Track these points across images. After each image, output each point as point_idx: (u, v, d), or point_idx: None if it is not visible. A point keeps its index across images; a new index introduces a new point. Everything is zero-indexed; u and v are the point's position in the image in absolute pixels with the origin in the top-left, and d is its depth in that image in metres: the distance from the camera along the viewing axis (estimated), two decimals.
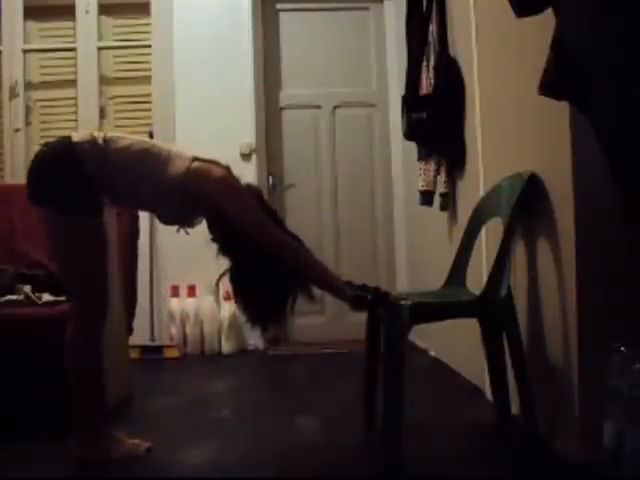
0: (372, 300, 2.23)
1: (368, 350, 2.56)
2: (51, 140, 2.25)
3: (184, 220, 2.31)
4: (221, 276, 2.24)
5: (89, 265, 2.21)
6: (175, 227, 2.35)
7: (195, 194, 2.16)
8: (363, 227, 4.81)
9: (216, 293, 4.29)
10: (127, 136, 2.26)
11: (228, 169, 2.22)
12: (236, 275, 2.24)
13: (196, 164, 2.18)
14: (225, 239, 2.22)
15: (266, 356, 4.28)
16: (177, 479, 2.15)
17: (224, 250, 2.23)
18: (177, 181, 2.15)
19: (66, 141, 2.18)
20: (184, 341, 4.31)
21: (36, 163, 2.19)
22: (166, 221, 2.32)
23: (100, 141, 2.17)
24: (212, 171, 2.17)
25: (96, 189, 2.17)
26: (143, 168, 2.18)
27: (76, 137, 2.18)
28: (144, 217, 3.64)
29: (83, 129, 4.42)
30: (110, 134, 2.23)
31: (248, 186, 2.27)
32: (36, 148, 4.49)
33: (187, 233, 2.35)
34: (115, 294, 2.95)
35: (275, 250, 2.14)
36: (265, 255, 2.14)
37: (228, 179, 2.18)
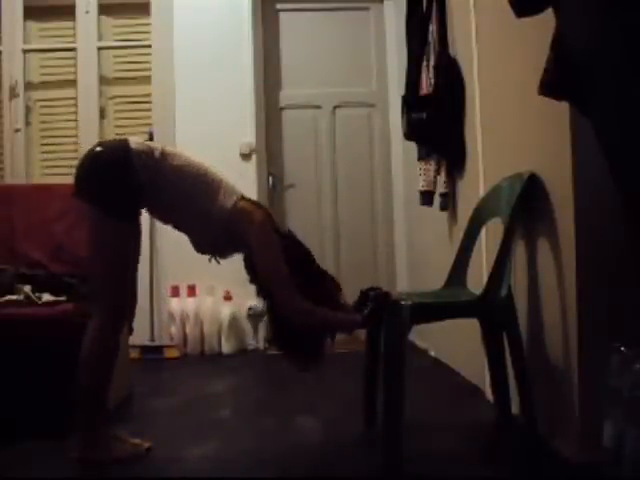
0: (375, 307, 2.25)
1: (368, 350, 2.56)
2: (106, 140, 2.26)
3: (218, 252, 2.35)
4: (262, 314, 2.30)
5: (119, 267, 2.24)
6: (203, 254, 2.38)
7: (234, 232, 2.21)
8: (363, 227, 4.82)
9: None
10: (183, 154, 2.29)
11: (269, 215, 2.26)
12: (272, 317, 2.30)
13: (242, 204, 2.22)
14: (260, 281, 2.27)
15: (266, 356, 4.28)
16: (177, 479, 2.15)
17: (260, 292, 2.30)
18: (221, 216, 2.20)
19: (123, 146, 2.20)
20: (184, 341, 4.31)
21: (90, 161, 2.22)
22: (200, 248, 2.35)
23: (157, 154, 2.20)
24: (254, 216, 2.21)
25: (140, 198, 2.20)
26: (192, 193, 2.21)
27: (133, 144, 2.20)
28: (144, 217, 3.64)
29: (84, 129, 4.44)
30: (168, 149, 2.27)
31: (286, 233, 2.32)
32: (37, 148, 4.55)
33: (218, 262, 2.39)
34: None
35: (283, 308, 2.19)
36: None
37: (267, 228, 2.21)
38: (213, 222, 2.22)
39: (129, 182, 2.16)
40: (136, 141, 2.24)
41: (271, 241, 2.20)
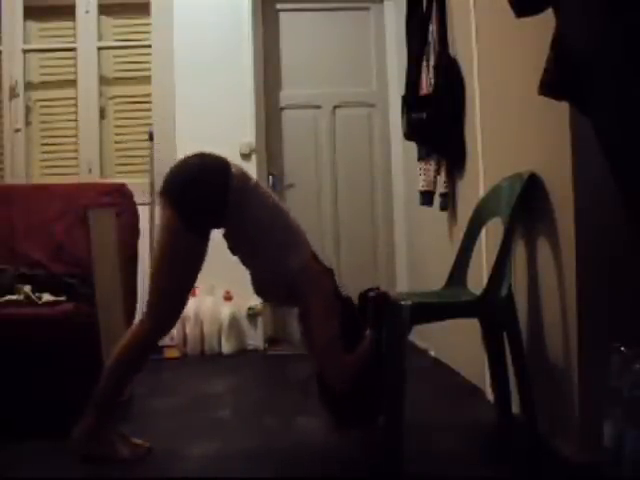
0: (375, 310, 2.26)
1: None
2: (206, 153, 2.28)
3: (275, 300, 2.40)
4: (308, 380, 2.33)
5: (183, 281, 2.24)
6: (257, 296, 2.42)
7: (297, 290, 2.23)
8: (363, 227, 4.82)
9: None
10: (272, 193, 2.34)
11: (334, 279, 2.29)
12: (320, 381, 2.31)
13: (311, 265, 2.25)
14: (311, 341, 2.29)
15: (266, 356, 4.28)
16: (177, 479, 2.15)
17: (311, 352, 2.31)
18: (289, 271, 2.22)
19: (224, 164, 2.23)
20: (184, 341, 4.30)
21: (188, 168, 2.23)
22: (259, 290, 2.37)
23: (252, 183, 2.24)
24: (321, 282, 2.24)
25: (224, 220, 2.22)
26: (271, 236, 2.24)
27: (233, 167, 2.23)
28: (144, 217, 3.64)
29: (84, 129, 4.44)
30: (259, 183, 2.30)
31: (344, 297, 2.32)
32: (37, 148, 4.55)
33: (273, 307, 2.40)
34: (115, 294, 2.95)
35: (326, 375, 2.22)
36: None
37: (330, 300, 2.23)
38: (280, 273, 2.24)
39: (218, 201, 2.17)
40: (235, 164, 2.26)
41: (332, 314, 2.21)
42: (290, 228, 2.30)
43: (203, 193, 2.18)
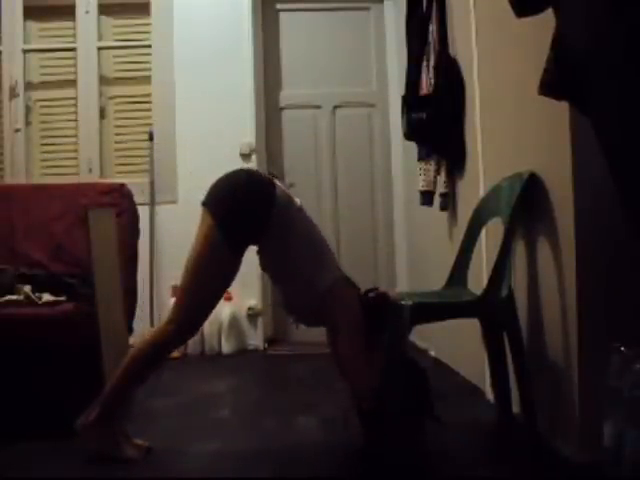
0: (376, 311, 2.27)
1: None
2: (254, 170, 2.37)
3: (305, 320, 2.39)
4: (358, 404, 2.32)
5: (209, 289, 2.25)
6: (289, 317, 2.44)
7: (325, 308, 2.24)
8: (363, 227, 4.82)
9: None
10: (309, 216, 2.34)
11: (358, 292, 2.30)
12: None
13: (340, 284, 2.27)
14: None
15: (266, 356, 4.28)
16: (177, 479, 2.15)
17: (342, 371, 2.31)
18: (319, 290, 2.23)
19: (271, 183, 2.24)
20: None
21: (234, 185, 2.23)
22: (290, 310, 2.39)
23: (296, 205, 2.26)
24: (347, 299, 2.25)
25: (264, 237, 2.22)
26: (307, 257, 2.25)
27: (278, 188, 2.24)
28: (144, 217, 3.65)
29: (84, 129, 4.44)
30: (302, 207, 2.31)
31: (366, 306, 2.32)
32: (37, 148, 4.55)
33: (297, 327, 2.44)
34: (115, 294, 2.95)
35: (355, 390, 2.24)
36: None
37: (358, 318, 2.23)
38: (310, 294, 2.25)
39: (260, 219, 2.18)
40: (280, 186, 2.27)
41: (359, 330, 2.22)
42: (324, 248, 2.33)
43: (248, 208, 2.20)
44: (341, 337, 2.23)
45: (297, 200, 2.31)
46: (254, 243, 2.27)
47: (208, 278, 2.22)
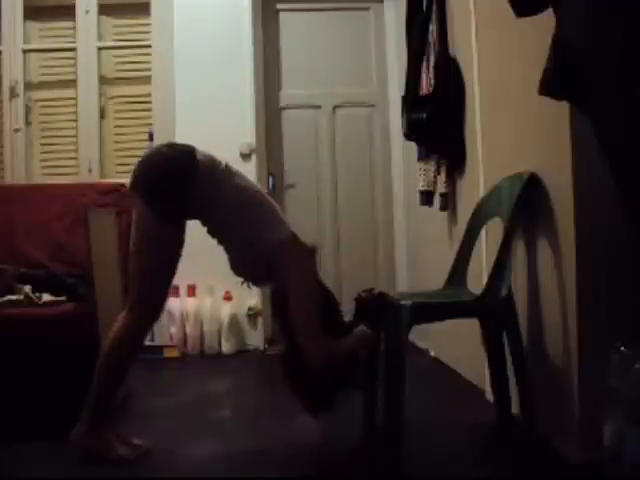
0: (373, 312, 2.27)
1: (368, 350, 2.56)
2: (175, 144, 2.31)
3: (253, 278, 2.37)
4: (282, 357, 2.31)
5: (161, 270, 2.25)
6: (237, 276, 2.39)
7: (276, 266, 2.21)
8: (363, 227, 4.81)
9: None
10: (244, 175, 2.32)
11: (314, 257, 2.27)
12: (288, 359, 2.31)
13: (293, 242, 2.24)
14: (284, 320, 2.27)
15: (266, 356, 4.28)
16: (177, 479, 2.15)
17: (283, 331, 2.31)
18: (268, 245, 2.21)
19: (190, 156, 2.21)
20: (184, 341, 4.30)
21: (154, 160, 2.25)
22: (237, 269, 2.35)
23: (220, 168, 2.24)
24: (301, 258, 2.22)
25: (195, 207, 2.22)
26: (245, 215, 2.23)
27: (199, 154, 2.22)
28: None
29: (84, 129, 4.44)
30: (230, 166, 2.29)
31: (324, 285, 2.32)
32: (37, 148, 4.55)
33: (249, 287, 2.41)
34: (115, 294, 2.95)
35: (305, 352, 2.18)
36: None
37: (310, 274, 2.22)
38: (258, 249, 2.23)
39: (186, 189, 2.18)
40: (202, 152, 2.26)
41: (313, 288, 2.21)
42: (264, 204, 2.28)
43: (170, 183, 2.19)
44: (291, 294, 2.19)
45: (222, 162, 2.27)
46: (189, 214, 2.25)
47: (153, 258, 2.22)
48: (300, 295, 2.19)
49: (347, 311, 2.42)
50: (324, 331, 2.17)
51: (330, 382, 2.22)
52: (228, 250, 2.34)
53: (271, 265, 2.22)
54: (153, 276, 2.25)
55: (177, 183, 2.19)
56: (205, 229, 2.36)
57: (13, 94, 4.47)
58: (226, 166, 2.27)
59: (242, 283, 2.38)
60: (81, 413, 2.23)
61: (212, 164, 2.24)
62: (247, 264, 2.31)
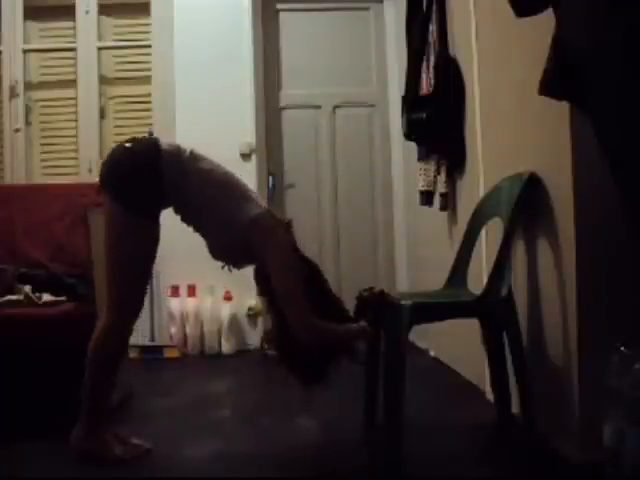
0: (374, 313, 2.26)
1: (368, 350, 2.56)
2: (138, 137, 2.30)
3: (233, 260, 2.35)
4: (267, 333, 2.30)
5: (137, 266, 2.25)
6: (217, 261, 2.38)
7: (252, 243, 2.20)
8: (363, 227, 4.81)
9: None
10: (211, 159, 2.30)
11: (291, 231, 2.28)
12: (279, 334, 2.29)
13: (266, 217, 2.22)
14: (270, 296, 2.27)
15: (266, 356, 4.27)
16: (177, 479, 2.15)
17: (269, 307, 2.30)
18: (243, 225, 2.19)
19: (153, 147, 2.21)
20: (184, 341, 4.30)
21: (118, 157, 2.24)
22: (215, 253, 2.34)
23: (185, 155, 2.22)
24: (276, 231, 2.22)
25: (165, 198, 2.22)
26: (218, 198, 2.22)
27: (164, 144, 2.22)
28: None
29: (84, 129, 4.44)
30: (196, 152, 2.27)
31: (301, 252, 2.31)
32: (37, 148, 4.54)
33: (230, 271, 2.39)
34: None
35: (293, 325, 2.17)
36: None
37: (287, 246, 2.21)
38: (233, 230, 2.22)
39: (153, 182, 2.17)
40: (166, 142, 2.25)
41: (289, 258, 2.20)
42: (233, 184, 2.27)
43: (136, 177, 2.19)
44: (274, 272, 2.18)
45: (187, 149, 2.26)
46: (160, 205, 2.25)
47: (127, 254, 2.22)
48: (280, 268, 2.17)
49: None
50: (311, 302, 2.17)
51: (319, 354, 2.21)
52: (204, 236, 2.33)
53: (248, 244, 2.21)
54: (129, 273, 2.24)
55: (143, 175, 2.18)
56: (184, 221, 2.36)
57: (13, 94, 4.47)
58: (191, 153, 2.25)
59: (222, 267, 2.37)
60: (78, 418, 2.23)
61: (177, 152, 2.23)
62: (224, 247, 2.29)
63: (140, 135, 2.28)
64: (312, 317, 2.16)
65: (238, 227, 2.20)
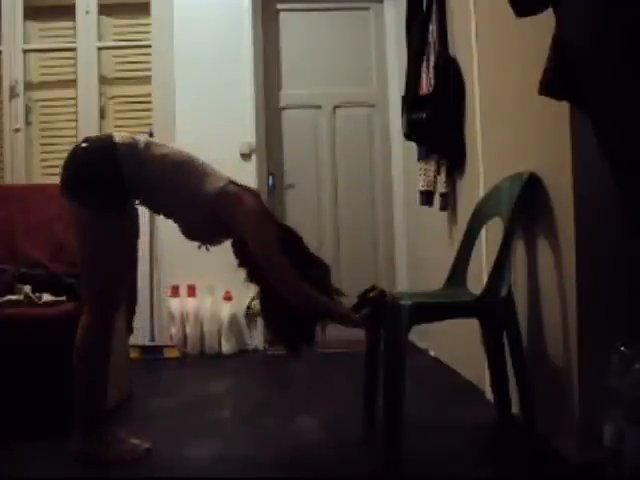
0: (373, 310, 2.26)
1: (368, 350, 2.56)
2: (91, 137, 2.27)
3: (207, 238, 2.34)
4: (252, 300, 2.27)
5: (109, 264, 2.22)
6: (193, 242, 2.37)
7: (223, 216, 2.19)
8: (363, 227, 4.81)
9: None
10: (167, 144, 2.29)
11: (259, 197, 2.25)
12: (263, 302, 2.28)
13: (230, 187, 2.21)
14: (249, 265, 2.26)
15: (266, 356, 4.28)
16: (177, 479, 2.15)
17: (250, 277, 2.28)
18: (208, 199, 2.18)
19: (107, 142, 2.20)
20: (184, 341, 4.30)
21: (74, 160, 2.22)
22: (189, 235, 2.33)
23: (141, 145, 2.20)
24: (244, 198, 2.19)
25: (128, 191, 2.20)
26: (177, 179, 2.21)
27: (118, 138, 2.20)
28: (144, 217, 3.64)
29: (84, 129, 4.44)
30: (151, 140, 2.27)
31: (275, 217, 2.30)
32: (37, 148, 4.55)
33: (207, 249, 2.38)
34: None
35: (278, 288, 2.15)
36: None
37: (258, 210, 2.20)
38: (200, 207, 2.20)
39: (111, 176, 2.15)
40: (120, 135, 2.23)
41: (262, 221, 2.18)
42: (191, 163, 2.25)
43: (97, 175, 2.17)
44: (248, 235, 2.16)
45: (141, 138, 2.24)
46: (122, 199, 2.22)
47: (96, 253, 2.20)
48: (255, 235, 2.16)
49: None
50: (291, 261, 2.15)
51: (306, 317, 2.20)
52: (176, 220, 2.32)
53: (218, 218, 2.20)
54: (102, 271, 2.22)
55: (102, 171, 2.17)
56: (153, 210, 2.36)
57: (13, 94, 4.47)
58: (146, 141, 2.23)
59: (199, 247, 2.36)
60: (77, 422, 2.23)
61: (132, 143, 2.20)
62: (196, 226, 2.28)
63: (123, 134, 2.24)
64: (297, 278, 2.13)
65: (204, 203, 2.18)
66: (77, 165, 2.21)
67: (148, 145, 2.22)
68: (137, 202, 2.30)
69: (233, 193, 2.20)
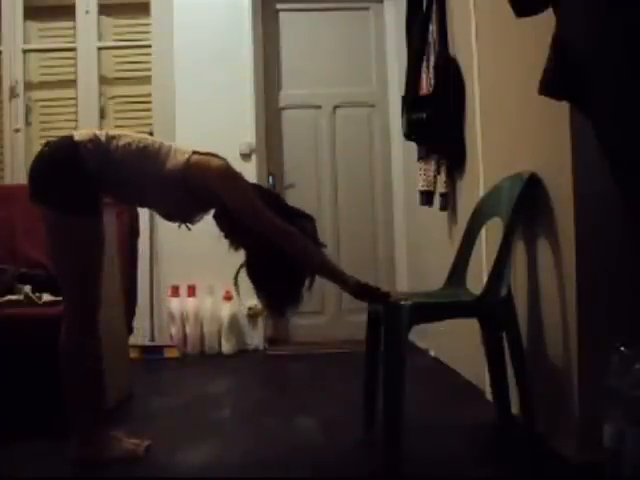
0: (372, 297, 2.25)
1: (368, 350, 2.56)
2: (53, 139, 2.24)
3: (185, 215, 2.31)
4: (238, 271, 2.25)
5: (84, 265, 2.20)
6: (174, 223, 2.35)
7: (196, 187, 2.17)
8: (363, 227, 4.81)
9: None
10: (128, 134, 2.27)
11: (226, 160, 2.25)
12: (250, 267, 2.26)
13: (195, 157, 2.19)
14: (233, 232, 2.25)
15: (266, 356, 4.28)
16: (177, 479, 2.15)
17: (235, 244, 2.27)
18: (177, 174, 2.16)
19: (68, 141, 2.17)
20: (184, 341, 4.31)
21: (38, 163, 2.19)
22: (167, 216, 2.32)
23: (103, 139, 2.18)
24: (211, 162, 2.19)
25: (97, 188, 2.18)
26: (144, 164, 2.19)
27: (78, 136, 2.17)
28: (144, 217, 3.64)
29: (83, 128, 4.44)
30: (112, 132, 2.24)
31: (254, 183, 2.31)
32: (36, 148, 4.54)
33: (189, 229, 2.36)
34: (115, 294, 2.95)
35: (273, 238, 2.14)
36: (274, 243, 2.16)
37: (227, 169, 2.20)
38: (172, 185, 2.17)
39: (77, 175, 2.13)
40: (81, 133, 2.21)
41: (235, 179, 2.18)
42: (153, 146, 2.22)
43: (61, 176, 2.14)
44: (226, 196, 2.15)
45: (102, 132, 2.22)
46: (89, 197, 2.19)
47: (77, 253, 2.18)
48: (233, 193, 2.15)
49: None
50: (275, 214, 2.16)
51: (295, 272, 2.20)
52: (151, 206, 2.32)
53: (192, 192, 2.18)
54: (81, 273, 2.20)
55: (66, 171, 2.14)
56: (126, 203, 2.36)
57: (13, 94, 4.47)
58: (107, 134, 2.21)
59: (179, 226, 2.34)
60: (75, 426, 2.22)
61: (93, 138, 2.17)
62: (172, 206, 2.26)
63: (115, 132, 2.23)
64: (288, 226, 2.14)
65: (175, 179, 2.16)
66: (40, 168, 2.18)
67: (110, 138, 2.19)
68: (107, 199, 2.28)
69: (200, 161, 2.18)
